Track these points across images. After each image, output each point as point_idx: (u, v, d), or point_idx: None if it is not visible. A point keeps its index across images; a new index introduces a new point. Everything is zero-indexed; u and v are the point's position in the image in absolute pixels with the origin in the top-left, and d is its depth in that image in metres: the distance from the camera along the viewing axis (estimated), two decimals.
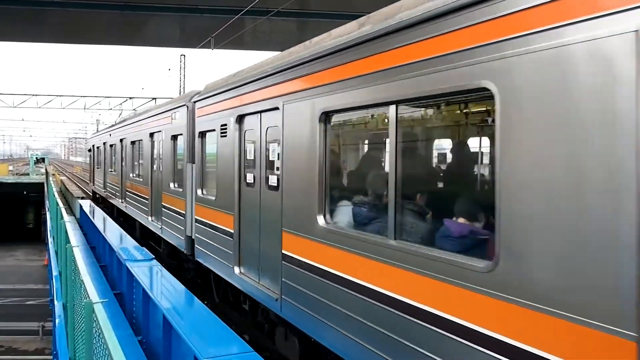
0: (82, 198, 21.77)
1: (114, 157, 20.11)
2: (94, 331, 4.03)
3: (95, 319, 3.99)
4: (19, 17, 24.38)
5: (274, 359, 7.53)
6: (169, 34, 28.62)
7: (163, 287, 6.34)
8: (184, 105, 10.30)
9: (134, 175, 15.83)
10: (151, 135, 13.33)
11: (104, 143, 22.79)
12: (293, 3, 19.22)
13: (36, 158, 59.25)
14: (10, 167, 62.02)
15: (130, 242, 9.40)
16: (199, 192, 9.38)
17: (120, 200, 17.74)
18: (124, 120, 19.17)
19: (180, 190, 10.46)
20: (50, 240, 17.13)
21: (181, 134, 10.45)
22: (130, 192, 16.15)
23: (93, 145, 28.84)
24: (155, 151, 12.98)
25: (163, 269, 7.31)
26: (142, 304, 6.40)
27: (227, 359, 4.01)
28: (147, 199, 13.48)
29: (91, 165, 30.23)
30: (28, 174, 51.91)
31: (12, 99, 51.10)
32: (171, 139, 11.19)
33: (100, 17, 24.23)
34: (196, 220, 9.36)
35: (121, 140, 18.20)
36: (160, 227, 12.03)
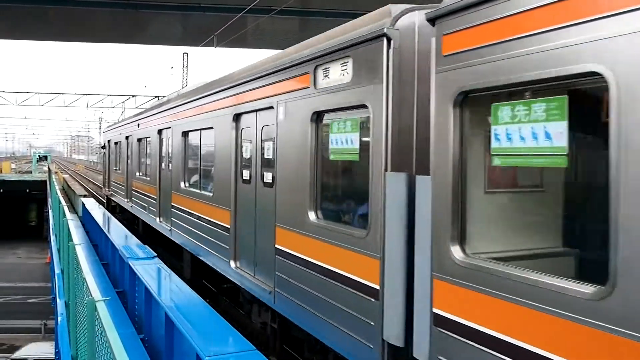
0: (85, 196, 21.70)
1: (145, 157, 14.73)
2: (97, 329, 4.03)
3: (97, 317, 3.99)
4: (22, 15, 24.40)
5: (276, 358, 7.53)
6: (171, 32, 28.62)
7: (165, 285, 6.35)
8: (378, 37, 4.62)
9: (187, 184, 10.53)
10: (237, 117, 7.83)
11: (128, 137, 17.50)
12: (295, 2, 19.21)
13: (39, 156, 59.23)
14: (13, 165, 62.15)
15: (132, 240, 9.40)
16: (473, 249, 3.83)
17: (157, 219, 12.60)
18: (163, 104, 13.20)
19: (359, 236, 4.88)
20: (52, 238, 17.16)
21: (362, 106, 4.89)
22: (180, 210, 10.50)
23: (109, 141, 22.65)
24: (247, 147, 7.58)
25: (165, 267, 7.31)
26: (145, 302, 6.41)
27: (229, 357, 4.01)
28: (224, 230, 8.05)
29: (106, 166, 23.55)
30: (31, 172, 51.97)
31: (14, 96, 51.14)
32: (311, 121, 5.69)
33: (103, 15, 24.26)
34: (452, 327, 3.82)
35: (160, 131, 12.85)
36: (270, 290, 6.44)
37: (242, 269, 7.48)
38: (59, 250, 12.90)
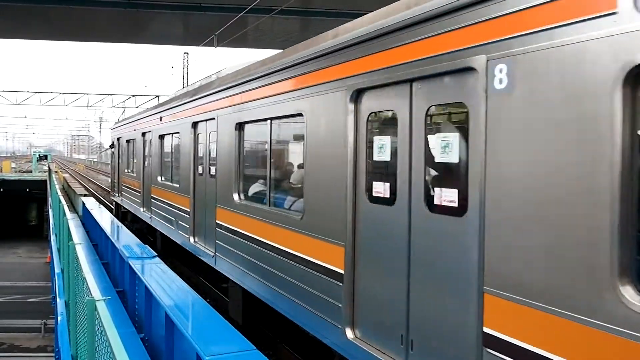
0: (85, 195, 21.66)
1: (171, 158, 11.93)
2: (97, 329, 4.02)
3: (97, 316, 3.98)
4: (22, 14, 24.40)
5: (277, 357, 7.52)
6: (172, 31, 28.61)
7: (165, 284, 6.33)
8: None
9: (243, 197, 7.65)
10: (358, 96, 4.87)
11: (145, 134, 14.56)
12: (296, 1, 19.21)
13: (39, 155, 59.20)
14: (13, 164, 62.16)
15: (132, 240, 9.39)
16: None
17: (191, 238, 9.79)
18: (202, 89, 9.69)
19: None
20: (52, 237, 17.15)
21: None
22: (233, 233, 7.63)
23: (119, 139, 19.56)
24: (383, 144, 4.61)
25: (165, 266, 7.30)
26: (145, 302, 6.39)
27: (229, 356, 4.00)
28: (331, 276, 5.14)
29: (115, 168, 20.49)
30: (31, 171, 51.98)
31: (15, 96, 51.18)
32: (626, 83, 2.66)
33: (104, 14, 24.25)
34: None
35: (195, 125, 9.86)
36: None
37: (378, 348, 4.47)
38: (59, 250, 12.89)
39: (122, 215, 18.49)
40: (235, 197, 7.67)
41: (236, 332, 4.54)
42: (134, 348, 5.52)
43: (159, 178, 12.70)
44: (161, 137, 12.70)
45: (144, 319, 6.48)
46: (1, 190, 41.88)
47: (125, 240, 9.28)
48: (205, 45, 26.34)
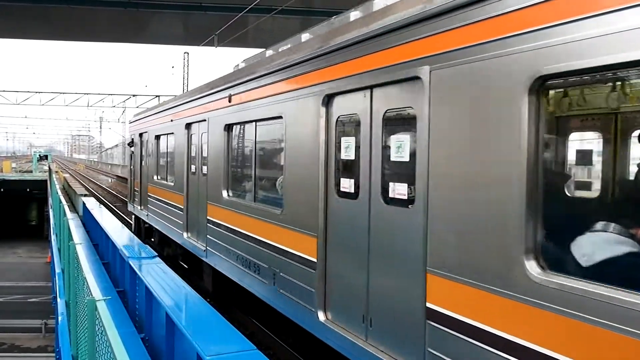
0: (85, 195, 21.63)
1: (253, 164, 7.57)
2: (97, 329, 4.02)
3: (98, 316, 3.98)
4: (23, 14, 24.43)
5: (277, 357, 7.52)
6: (172, 31, 28.65)
7: (166, 284, 6.32)
8: None
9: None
10: None
11: (190, 125, 10.41)
12: (296, 1, 19.22)
13: (39, 155, 59.20)
14: (14, 164, 62.19)
15: (133, 240, 9.39)
16: None
17: (321, 314, 5.44)
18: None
19: None
20: (53, 237, 17.15)
21: None
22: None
23: (141, 135, 15.33)
24: None
25: (166, 266, 7.30)
26: (145, 302, 6.39)
27: (229, 356, 3.99)
28: None
29: (135, 172, 16.24)
30: (31, 171, 52.02)
31: (15, 96, 51.24)
32: None
33: (104, 14, 24.31)
34: None
35: (330, 97, 5.39)
36: None
37: None
38: (59, 250, 12.90)
39: (145, 232, 14.94)
40: (510, 266, 3.35)
41: (236, 332, 4.54)
42: (134, 348, 5.51)
43: (224, 193, 8.42)
44: (228, 128, 8.37)
45: (144, 319, 6.48)
46: (1, 190, 41.93)
47: (126, 240, 9.28)
48: (205, 45, 26.38)
